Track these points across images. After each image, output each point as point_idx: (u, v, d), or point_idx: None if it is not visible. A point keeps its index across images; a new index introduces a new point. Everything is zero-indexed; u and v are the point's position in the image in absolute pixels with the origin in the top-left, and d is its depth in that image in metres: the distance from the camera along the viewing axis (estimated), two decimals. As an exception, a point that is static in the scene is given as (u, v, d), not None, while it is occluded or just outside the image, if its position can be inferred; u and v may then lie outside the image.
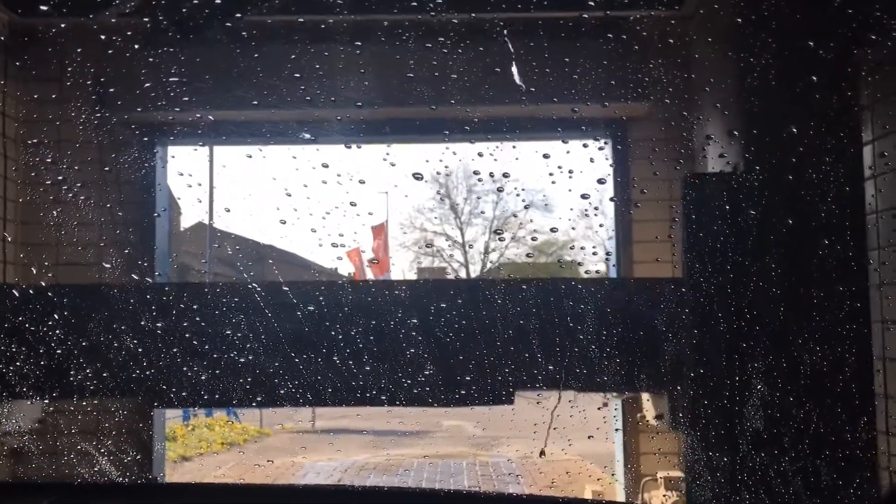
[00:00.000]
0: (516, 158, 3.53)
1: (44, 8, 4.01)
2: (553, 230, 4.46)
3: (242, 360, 3.19)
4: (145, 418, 4.13)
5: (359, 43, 3.86)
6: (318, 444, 8.06)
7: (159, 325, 3.23)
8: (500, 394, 3.24)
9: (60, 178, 4.26)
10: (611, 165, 4.43)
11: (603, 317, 3.18)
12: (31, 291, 3.49)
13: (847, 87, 3.16)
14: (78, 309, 3.30)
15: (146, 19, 3.80)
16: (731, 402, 2.98)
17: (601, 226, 4.52)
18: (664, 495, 4.11)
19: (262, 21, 4.07)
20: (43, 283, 4.07)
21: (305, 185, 3.53)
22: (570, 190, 3.28)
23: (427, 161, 4.25)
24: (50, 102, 4.27)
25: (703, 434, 3.03)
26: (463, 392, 3.23)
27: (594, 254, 4.40)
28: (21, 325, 3.24)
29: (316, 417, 9.18)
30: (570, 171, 3.28)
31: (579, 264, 4.37)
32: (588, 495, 4.66)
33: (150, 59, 3.82)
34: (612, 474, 4.62)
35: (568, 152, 3.39)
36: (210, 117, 4.22)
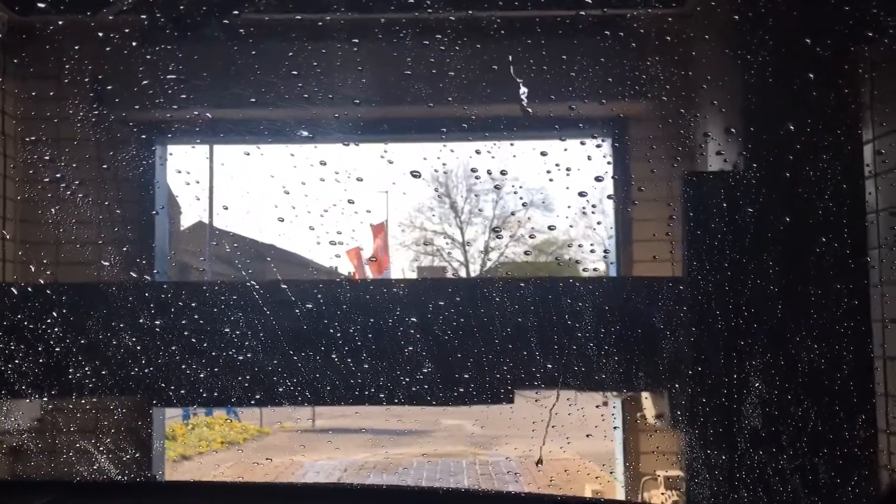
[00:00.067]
0: (514, 156, 3.52)
1: (42, 5, 4.01)
2: (551, 228, 4.45)
3: (241, 358, 3.19)
4: (144, 417, 4.13)
5: (356, 41, 3.85)
6: (318, 442, 8.05)
7: (158, 323, 3.23)
8: (500, 393, 3.24)
9: (59, 175, 4.25)
10: (609, 163, 4.42)
11: (601, 315, 3.18)
12: (29, 289, 3.49)
13: (845, 85, 3.16)
14: (77, 307, 3.30)
15: (144, 17, 3.80)
16: (730, 401, 2.99)
17: (599, 223, 4.51)
18: (664, 494, 4.11)
19: (260, 19, 4.07)
20: (42, 282, 4.06)
21: (303, 183, 3.52)
22: (567, 188, 3.28)
23: (425, 159, 4.23)
24: (48, 100, 4.26)
25: (702, 432, 3.03)
26: (462, 391, 3.23)
27: (592, 252, 4.40)
28: (20, 324, 3.24)
29: (315, 416, 9.16)
30: (568, 169, 3.28)
31: (578, 263, 4.35)
32: (587, 494, 4.65)
33: (148, 57, 3.82)
34: (612, 473, 4.61)
35: (565, 150, 3.38)
36: (208, 115, 4.22)
